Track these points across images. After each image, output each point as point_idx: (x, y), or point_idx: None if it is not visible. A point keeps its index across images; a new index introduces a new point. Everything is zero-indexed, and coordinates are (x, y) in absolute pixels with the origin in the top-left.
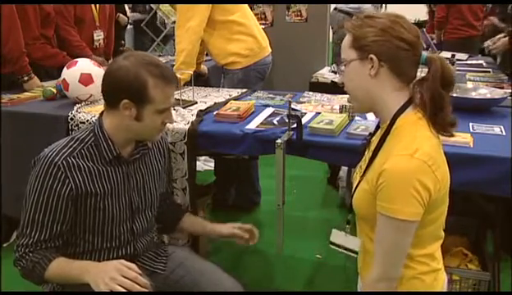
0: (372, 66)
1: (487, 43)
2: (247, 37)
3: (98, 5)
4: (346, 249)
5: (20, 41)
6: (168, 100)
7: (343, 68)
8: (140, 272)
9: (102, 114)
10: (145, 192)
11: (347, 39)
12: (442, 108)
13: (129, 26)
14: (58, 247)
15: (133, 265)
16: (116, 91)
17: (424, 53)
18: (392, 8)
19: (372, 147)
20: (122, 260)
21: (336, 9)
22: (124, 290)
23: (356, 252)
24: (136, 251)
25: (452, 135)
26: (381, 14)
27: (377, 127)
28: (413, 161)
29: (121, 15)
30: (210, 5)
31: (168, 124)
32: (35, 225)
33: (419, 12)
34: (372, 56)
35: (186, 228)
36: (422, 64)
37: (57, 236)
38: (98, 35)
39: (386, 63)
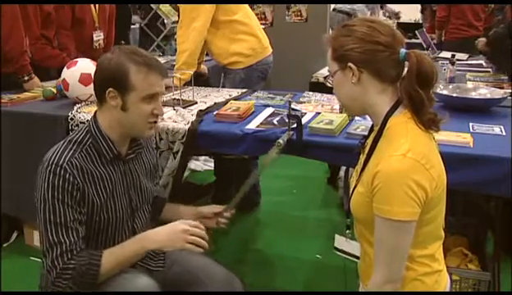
0: (353, 74)
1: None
2: (249, 37)
3: (97, 5)
4: (349, 254)
5: (21, 40)
6: (152, 87)
7: (331, 80)
8: (203, 227)
9: (95, 114)
10: (142, 189)
11: (329, 52)
12: (421, 106)
13: (135, 26)
14: (87, 245)
15: (196, 223)
16: (101, 82)
17: (403, 50)
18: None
19: (367, 149)
20: (183, 221)
21: (334, 10)
22: (197, 249)
23: (358, 257)
24: None
25: (438, 130)
26: (357, 21)
27: (371, 129)
28: (406, 160)
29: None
30: (215, 5)
31: (168, 124)
32: (61, 231)
33: (417, 13)
34: (350, 64)
35: (166, 218)
36: (402, 61)
37: (83, 234)
38: (98, 36)
39: (364, 68)
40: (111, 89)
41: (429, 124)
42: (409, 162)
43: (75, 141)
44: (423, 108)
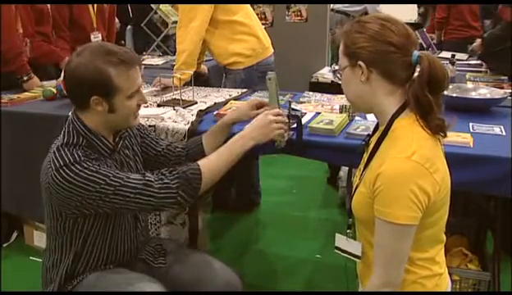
0: (362, 72)
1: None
2: (250, 37)
3: (96, 7)
4: (350, 254)
5: (16, 41)
6: (135, 83)
7: (340, 75)
8: (283, 113)
9: (77, 115)
10: (138, 173)
11: (341, 46)
12: (429, 111)
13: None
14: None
15: (277, 111)
16: (82, 90)
17: (416, 53)
18: (387, 9)
19: (370, 148)
20: (266, 112)
21: (332, 10)
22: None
23: (359, 257)
24: (138, 238)
25: (445, 136)
26: (371, 17)
27: (376, 128)
28: (410, 163)
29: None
30: (213, 5)
31: (168, 124)
32: (126, 176)
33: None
34: (360, 62)
35: (212, 148)
36: (414, 64)
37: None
38: (96, 37)
39: (375, 68)
40: (95, 97)
41: (436, 129)
42: (413, 165)
43: (71, 143)
44: (431, 113)
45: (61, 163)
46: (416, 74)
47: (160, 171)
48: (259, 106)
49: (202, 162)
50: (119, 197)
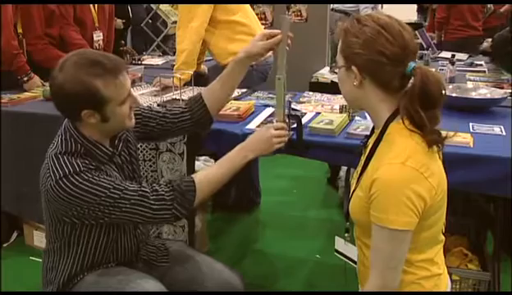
0: (356, 77)
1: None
2: (249, 37)
3: (96, 5)
4: (347, 258)
5: (10, 43)
6: (124, 88)
7: (337, 71)
8: (286, 126)
9: (75, 125)
10: (135, 173)
11: (339, 44)
12: (422, 127)
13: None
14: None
15: (280, 124)
16: (72, 106)
17: (411, 64)
18: (387, 9)
19: (367, 150)
20: (269, 126)
21: (332, 9)
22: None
23: (355, 262)
24: (138, 237)
25: (442, 147)
26: (371, 20)
27: (372, 130)
28: (405, 169)
29: (118, 19)
30: (212, 5)
31: None
32: (123, 184)
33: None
34: (353, 67)
35: (217, 102)
36: (408, 75)
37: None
38: (98, 36)
39: (367, 76)
40: (86, 111)
41: (431, 143)
42: (408, 171)
43: (69, 152)
44: (424, 129)
45: (61, 174)
46: (409, 85)
47: (155, 183)
48: (270, 36)
49: (199, 174)
50: (117, 209)
